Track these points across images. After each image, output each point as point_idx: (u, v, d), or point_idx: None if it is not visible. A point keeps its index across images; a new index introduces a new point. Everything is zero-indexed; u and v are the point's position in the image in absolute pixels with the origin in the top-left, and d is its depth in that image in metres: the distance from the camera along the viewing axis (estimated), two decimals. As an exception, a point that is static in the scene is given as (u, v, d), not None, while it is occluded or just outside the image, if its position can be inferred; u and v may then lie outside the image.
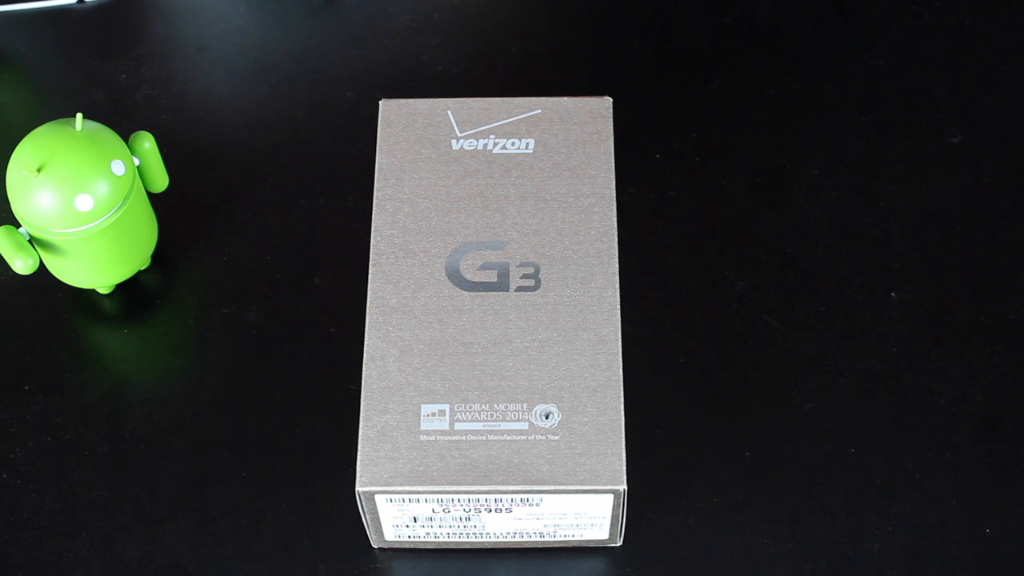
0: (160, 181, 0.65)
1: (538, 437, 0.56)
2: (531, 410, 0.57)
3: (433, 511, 0.57)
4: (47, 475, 0.62)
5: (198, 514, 0.61)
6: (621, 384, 0.57)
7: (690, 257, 0.67)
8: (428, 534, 0.58)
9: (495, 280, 0.59)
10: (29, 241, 0.62)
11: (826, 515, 0.61)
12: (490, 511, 0.57)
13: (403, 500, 0.56)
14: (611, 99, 0.63)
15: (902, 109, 0.71)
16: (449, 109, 0.63)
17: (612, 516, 0.57)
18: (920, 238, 0.67)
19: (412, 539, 0.59)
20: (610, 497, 0.56)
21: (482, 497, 0.56)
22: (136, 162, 0.63)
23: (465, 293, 0.59)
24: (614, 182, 0.61)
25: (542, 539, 0.59)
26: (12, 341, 0.66)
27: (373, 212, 0.61)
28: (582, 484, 0.55)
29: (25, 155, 0.60)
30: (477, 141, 0.62)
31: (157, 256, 0.67)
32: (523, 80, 0.72)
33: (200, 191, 0.69)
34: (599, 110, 0.63)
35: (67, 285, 0.66)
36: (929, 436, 0.63)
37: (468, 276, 0.59)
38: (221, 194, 0.69)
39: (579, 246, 0.60)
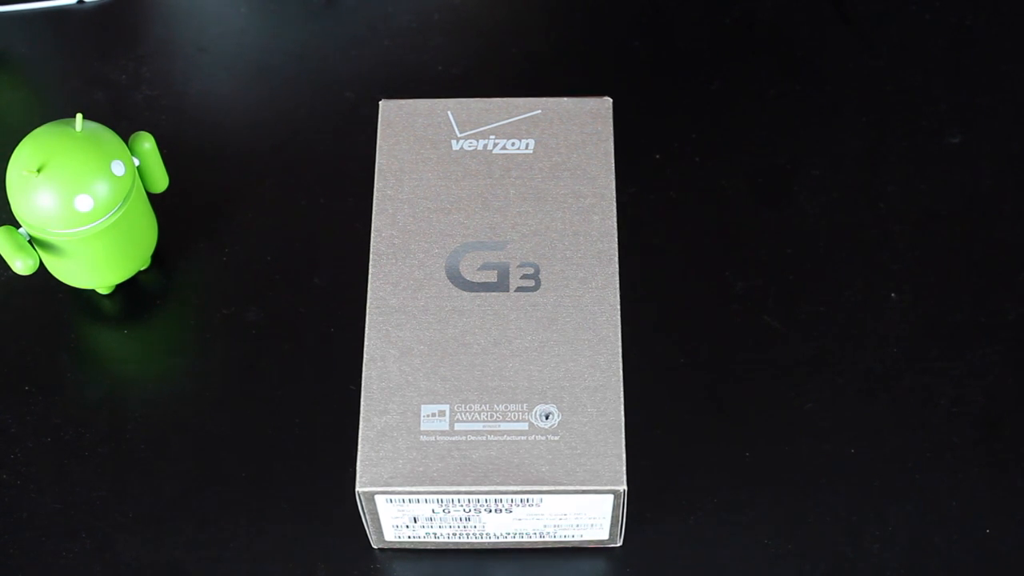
0: (160, 181, 0.65)
1: (538, 437, 0.56)
2: (531, 410, 0.57)
3: (433, 511, 0.57)
4: (47, 475, 0.62)
5: (198, 514, 0.61)
6: (621, 384, 0.57)
7: (690, 257, 0.67)
8: (428, 534, 0.59)
9: (495, 280, 0.59)
10: (29, 241, 0.62)
11: (826, 515, 0.61)
12: (490, 511, 0.57)
13: (403, 500, 0.56)
14: (611, 99, 0.63)
15: (902, 109, 0.71)
16: (449, 109, 0.63)
17: (612, 516, 0.57)
18: (920, 238, 0.67)
19: (412, 539, 0.59)
20: (610, 497, 0.56)
21: (482, 497, 0.56)
22: (136, 162, 0.63)
23: (465, 293, 0.59)
24: (614, 182, 0.61)
25: (542, 539, 0.59)
26: (12, 341, 0.66)
27: (373, 212, 0.61)
28: (582, 484, 0.55)
29: (25, 155, 0.60)
30: (477, 141, 0.62)
31: (157, 256, 0.67)
32: (523, 80, 0.72)
33: (200, 191, 0.69)
34: (599, 110, 0.63)
35: (67, 285, 0.66)
36: (929, 436, 0.63)
37: (468, 276, 0.59)
38: (221, 194, 0.69)
39: (579, 246, 0.60)
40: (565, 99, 0.63)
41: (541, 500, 0.56)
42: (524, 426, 0.56)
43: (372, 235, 0.60)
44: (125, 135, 0.65)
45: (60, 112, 0.70)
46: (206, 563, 0.60)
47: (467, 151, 0.62)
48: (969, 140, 0.70)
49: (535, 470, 0.56)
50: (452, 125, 0.62)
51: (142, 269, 0.67)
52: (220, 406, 0.64)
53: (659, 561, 0.60)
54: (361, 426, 0.57)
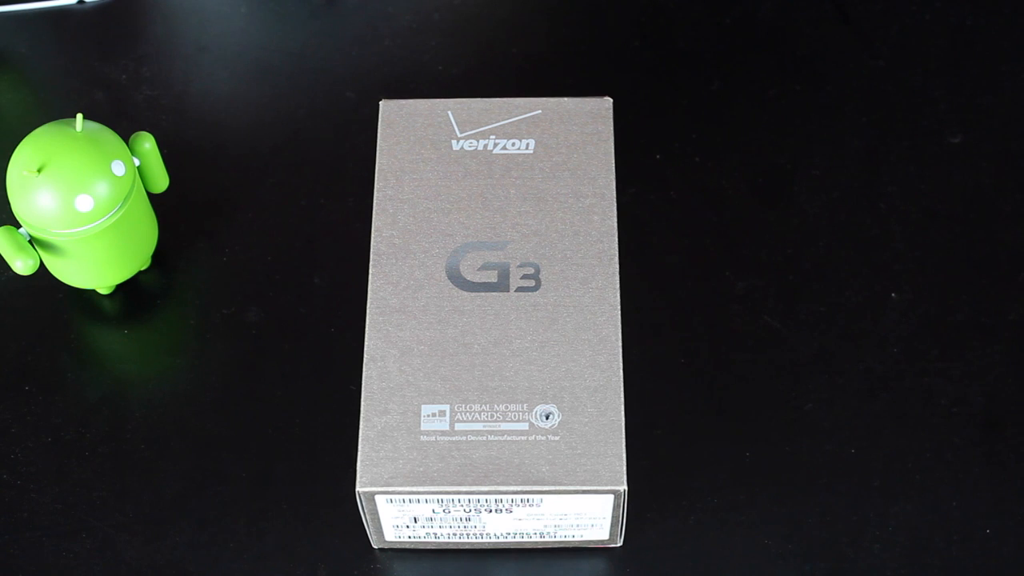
0: (160, 181, 0.65)
1: (538, 438, 0.56)
2: (531, 410, 0.57)
3: (433, 511, 0.57)
4: (47, 475, 0.62)
5: (198, 514, 0.61)
6: (621, 384, 0.57)
7: (690, 257, 0.67)
8: (428, 534, 0.59)
9: (495, 280, 0.59)
10: (29, 241, 0.62)
11: (826, 515, 0.61)
12: (490, 511, 0.57)
13: (403, 500, 0.56)
14: (611, 99, 0.63)
15: (902, 109, 0.71)
16: (449, 110, 0.63)
17: (612, 516, 0.57)
18: (920, 238, 0.67)
19: (412, 539, 0.59)
20: (610, 497, 0.56)
21: (482, 497, 0.56)
22: (136, 162, 0.63)
23: (465, 293, 0.59)
24: (614, 182, 0.61)
25: (542, 539, 0.59)
26: (12, 341, 0.66)
27: (373, 213, 0.61)
28: (582, 484, 0.55)
29: (25, 155, 0.60)
30: (477, 141, 0.62)
31: (157, 256, 0.67)
32: (523, 80, 0.72)
33: (200, 191, 0.69)
34: (599, 110, 0.63)
35: (67, 285, 0.66)
36: (929, 436, 0.63)
37: (468, 276, 0.59)
38: (221, 194, 0.69)
39: (579, 246, 0.60)
40: (565, 99, 0.63)
41: (541, 500, 0.56)
42: (524, 426, 0.56)
43: (372, 235, 0.60)
44: (125, 135, 0.65)
45: (60, 112, 0.70)
46: (206, 563, 0.60)
47: (467, 151, 0.62)
48: (969, 140, 0.70)
49: (535, 470, 0.56)
50: (452, 125, 0.62)
51: (142, 269, 0.67)
52: (220, 406, 0.64)
53: (659, 561, 0.60)
54: (361, 426, 0.57)
